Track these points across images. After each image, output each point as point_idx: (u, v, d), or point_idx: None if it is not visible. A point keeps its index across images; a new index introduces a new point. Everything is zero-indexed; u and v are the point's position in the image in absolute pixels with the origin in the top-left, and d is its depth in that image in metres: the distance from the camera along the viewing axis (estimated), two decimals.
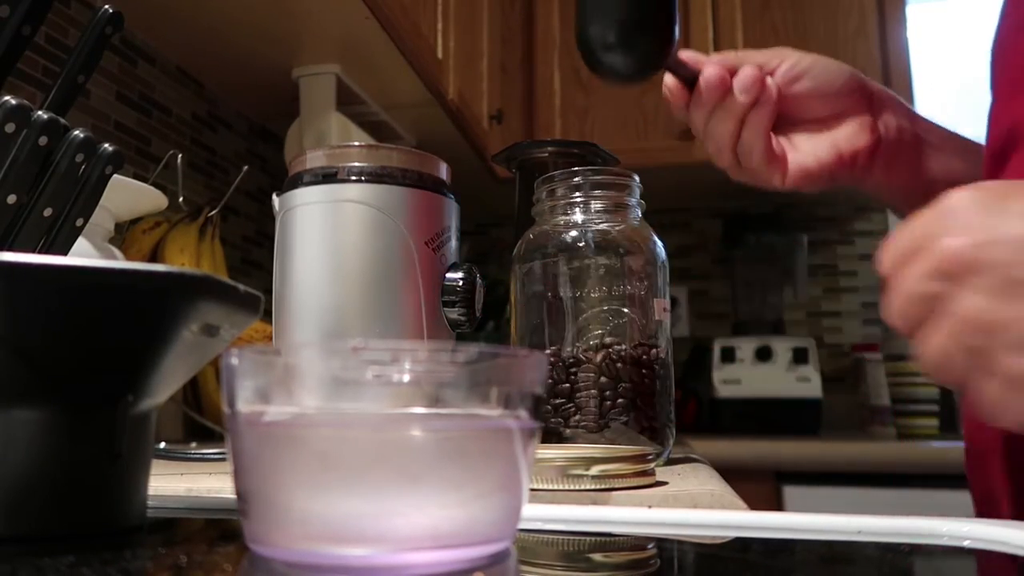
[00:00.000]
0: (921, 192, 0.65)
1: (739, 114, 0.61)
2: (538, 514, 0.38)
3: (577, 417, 0.61)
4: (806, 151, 0.64)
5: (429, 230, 0.64)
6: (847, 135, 0.64)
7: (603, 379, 0.61)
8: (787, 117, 0.64)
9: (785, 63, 0.63)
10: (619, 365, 0.62)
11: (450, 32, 1.50)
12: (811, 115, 0.65)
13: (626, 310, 0.64)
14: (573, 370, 0.62)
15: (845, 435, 1.88)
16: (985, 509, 0.59)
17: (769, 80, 0.62)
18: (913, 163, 0.66)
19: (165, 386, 0.35)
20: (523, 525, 0.33)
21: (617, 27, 0.52)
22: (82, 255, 0.66)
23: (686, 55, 0.62)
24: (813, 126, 0.65)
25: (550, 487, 0.48)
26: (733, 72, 0.61)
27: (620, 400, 0.61)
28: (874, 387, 1.93)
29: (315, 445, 0.27)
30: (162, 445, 0.81)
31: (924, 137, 0.66)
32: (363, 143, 0.94)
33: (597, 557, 0.34)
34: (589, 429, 0.61)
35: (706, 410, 2.06)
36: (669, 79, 0.63)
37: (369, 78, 1.41)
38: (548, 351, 0.64)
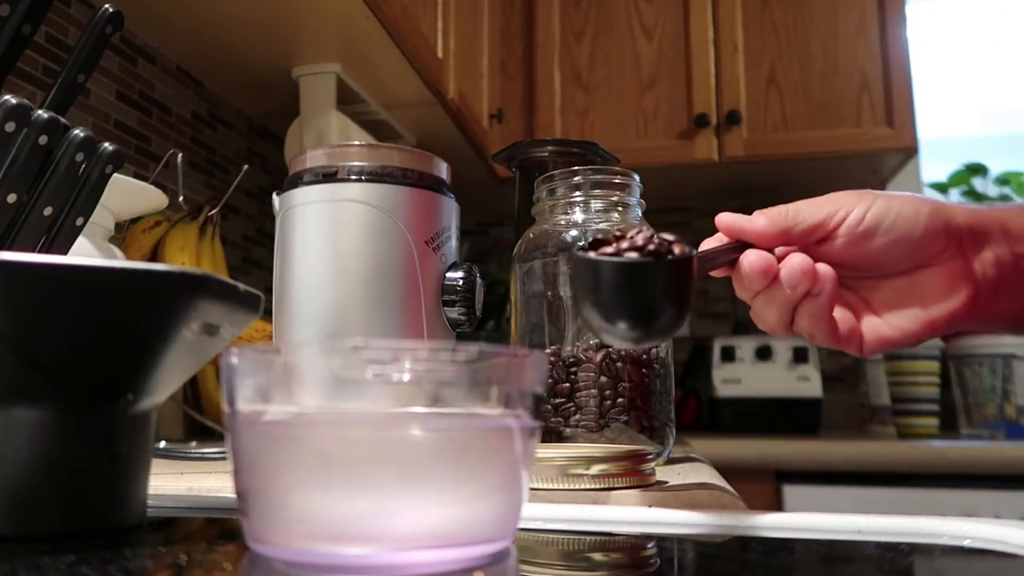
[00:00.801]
0: None
1: (789, 305, 0.51)
2: (538, 513, 0.38)
3: (577, 416, 0.61)
4: (890, 322, 0.53)
5: (429, 229, 0.64)
6: (938, 295, 0.52)
7: (603, 378, 0.61)
8: (862, 272, 0.53)
9: (849, 218, 0.51)
10: (619, 364, 0.62)
11: (450, 31, 1.50)
12: (888, 271, 0.53)
13: None
14: (573, 369, 0.62)
15: (845, 434, 1.88)
16: None
17: (824, 269, 0.50)
18: (1018, 293, 0.54)
19: (165, 385, 0.35)
20: (523, 524, 0.33)
21: (631, 321, 0.42)
22: (82, 254, 0.66)
23: (723, 222, 0.51)
24: (896, 283, 0.53)
25: (550, 486, 0.48)
26: (781, 255, 0.51)
27: (620, 399, 0.61)
28: (874, 386, 1.93)
29: (315, 444, 0.27)
30: (162, 444, 0.81)
31: None
32: (363, 142, 0.94)
33: (597, 556, 0.34)
34: (589, 428, 0.61)
35: (706, 409, 2.06)
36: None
37: (369, 77, 1.40)
38: (548, 350, 0.64)
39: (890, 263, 0.52)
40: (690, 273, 0.43)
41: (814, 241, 0.51)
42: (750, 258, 0.49)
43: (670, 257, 0.42)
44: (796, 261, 0.49)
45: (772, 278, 0.49)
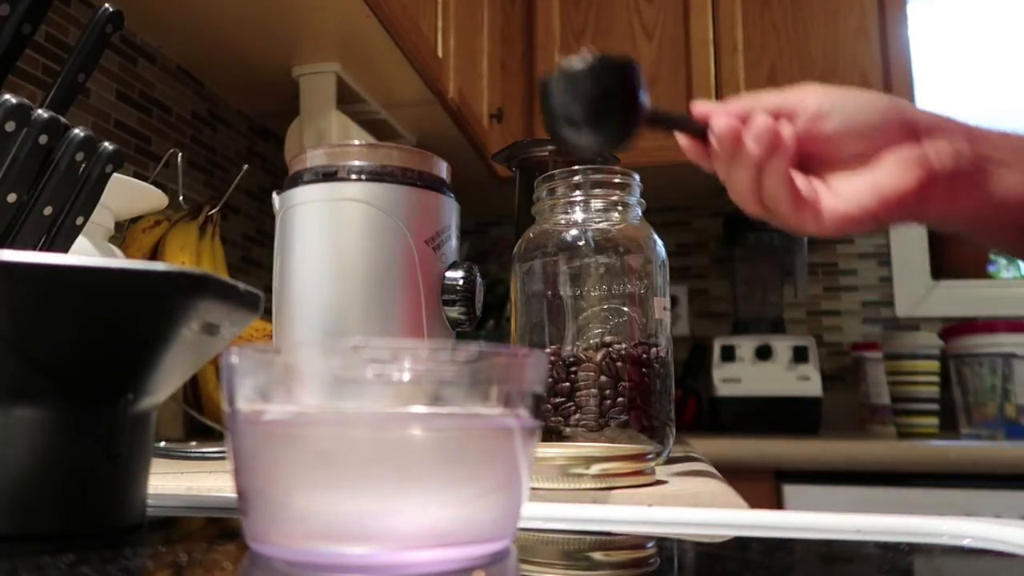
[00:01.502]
0: (994, 216, 0.59)
1: (755, 165, 0.56)
2: (538, 513, 0.38)
3: (577, 416, 0.61)
4: (845, 196, 0.56)
5: (429, 229, 0.64)
6: (890, 174, 0.56)
7: (603, 378, 0.61)
8: (821, 158, 0.57)
9: (806, 103, 0.56)
10: (619, 364, 0.62)
11: (450, 31, 1.50)
12: (847, 153, 0.57)
13: (626, 309, 0.64)
14: (573, 369, 0.62)
15: (845, 434, 1.88)
16: None
17: (785, 127, 0.56)
18: (977, 189, 0.58)
19: (165, 385, 0.35)
20: (523, 524, 0.33)
21: (580, 107, 0.50)
22: (82, 254, 0.66)
23: (697, 108, 0.57)
24: (851, 165, 0.57)
25: (550, 486, 0.48)
26: (747, 119, 0.56)
27: (620, 399, 0.61)
28: (874, 386, 1.93)
29: (315, 444, 0.27)
30: (162, 444, 0.81)
31: (990, 155, 0.58)
32: (363, 142, 0.94)
33: (597, 556, 0.34)
34: (589, 428, 0.61)
35: (706, 409, 2.06)
36: (682, 139, 0.58)
37: (369, 77, 1.40)
38: (548, 350, 0.64)
39: (846, 146, 0.57)
40: (631, 79, 0.52)
41: (775, 119, 0.57)
42: (719, 122, 0.56)
43: (603, 57, 0.50)
44: (760, 121, 0.55)
45: (739, 142, 0.56)
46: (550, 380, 0.62)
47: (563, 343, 0.64)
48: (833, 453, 1.55)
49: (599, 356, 0.62)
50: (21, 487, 0.31)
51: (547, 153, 0.83)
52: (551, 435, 0.62)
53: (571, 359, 0.63)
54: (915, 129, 0.57)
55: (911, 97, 1.86)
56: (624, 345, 0.62)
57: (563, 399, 0.62)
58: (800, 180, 0.57)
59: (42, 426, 0.31)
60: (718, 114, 0.56)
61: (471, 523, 0.27)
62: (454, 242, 0.67)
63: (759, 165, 0.56)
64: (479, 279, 0.67)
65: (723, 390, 1.93)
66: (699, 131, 0.57)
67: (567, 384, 0.62)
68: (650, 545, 0.35)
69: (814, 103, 0.56)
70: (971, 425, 1.80)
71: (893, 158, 0.56)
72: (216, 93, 1.48)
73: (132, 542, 0.32)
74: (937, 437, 1.76)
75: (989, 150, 0.58)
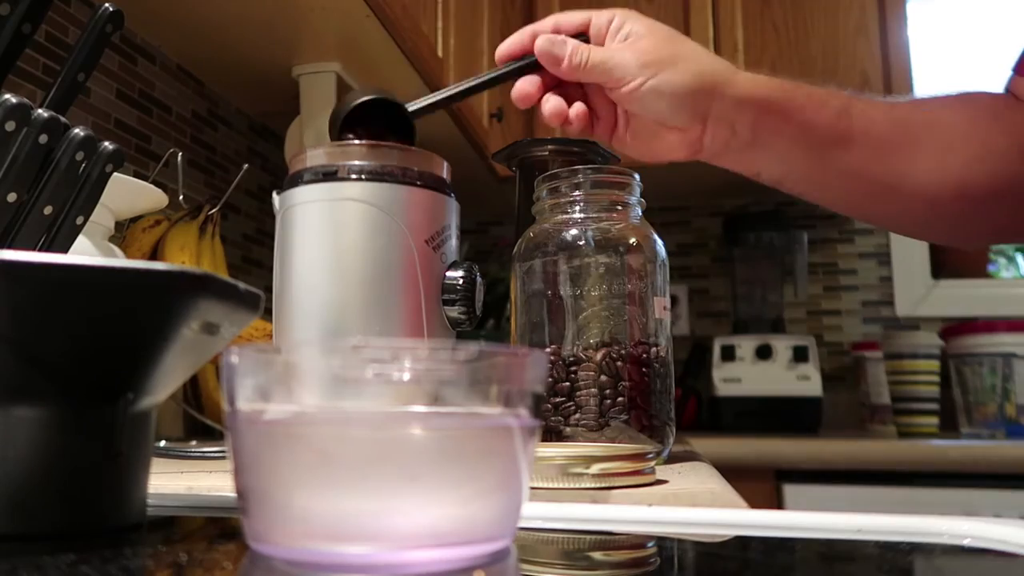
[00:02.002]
0: (772, 183, 0.73)
1: (556, 123, 0.69)
2: (538, 512, 0.38)
3: (577, 415, 0.61)
4: (632, 146, 0.71)
5: (429, 228, 0.64)
6: (666, 144, 0.70)
7: (603, 377, 0.61)
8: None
9: (620, 90, 0.66)
10: (619, 364, 0.62)
11: (450, 30, 1.50)
12: (646, 118, 0.68)
13: (626, 308, 0.64)
14: (573, 368, 0.62)
15: (845, 433, 1.88)
16: None
17: (575, 110, 0.68)
18: (747, 163, 0.71)
19: (165, 384, 0.35)
20: (523, 523, 0.33)
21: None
22: (82, 253, 0.66)
23: (507, 45, 0.69)
24: (651, 124, 0.69)
25: (550, 485, 0.48)
26: (575, 75, 0.67)
27: (620, 399, 0.61)
28: (874, 385, 1.93)
29: (315, 443, 0.27)
30: (162, 443, 0.81)
31: (768, 142, 0.69)
32: (363, 141, 0.93)
33: (597, 555, 0.34)
34: (589, 427, 0.61)
35: (706, 408, 2.06)
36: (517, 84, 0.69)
37: (369, 76, 1.40)
38: (548, 349, 0.64)
39: (648, 115, 0.67)
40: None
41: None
42: (519, 85, 0.68)
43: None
44: (550, 104, 0.67)
45: (537, 103, 0.68)
46: (550, 380, 0.62)
47: (563, 343, 0.64)
48: (833, 453, 1.55)
49: (599, 356, 0.62)
50: (21, 487, 0.31)
51: (547, 152, 0.83)
52: (551, 435, 0.62)
53: (571, 359, 0.63)
54: (706, 117, 0.67)
55: (912, 97, 1.86)
56: (624, 345, 0.62)
57: (563, 399, 0.62)
58: (604, 114, 0.70)
59: (42, 425, 0.31)
60: (522, 81, 0.68)
61: (471, 523, 0.27)
62: (454, 242, 0.67)
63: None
64: (479, 279, 0.67)
65: (723, 390, 1.93)
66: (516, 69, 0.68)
67: (567, 384, 0.62)
68: (650, 545, 0.35)
69: (633, 85, 0.65)
70: (971, 425, 1.80)
71: (674, 133, 0.68)
72: (216, 92, 1.48)
73: (132, 541, 0.32)
74: (937, 437, 1.76)
75: (771, 138, 0.68)
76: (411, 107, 0.67)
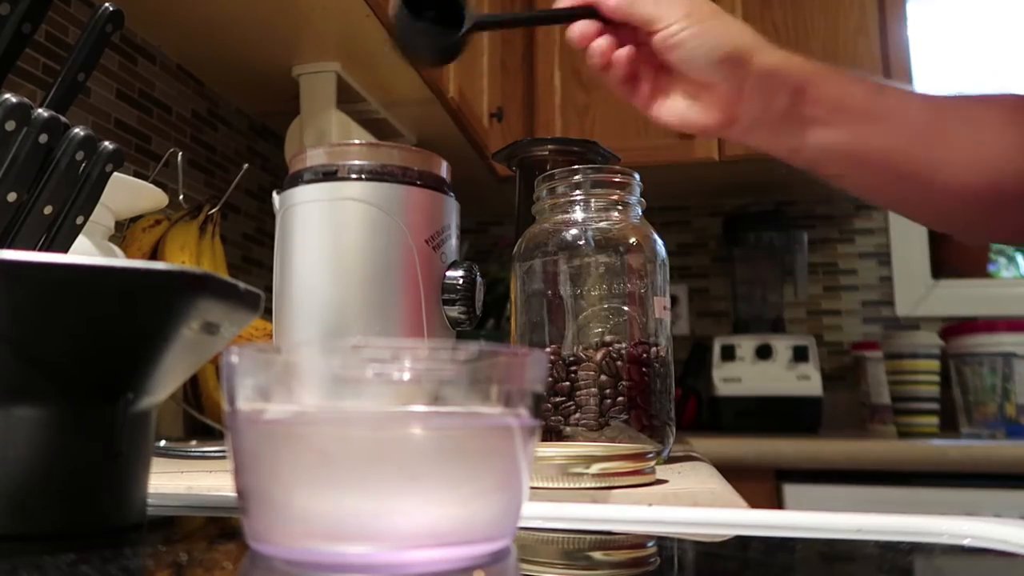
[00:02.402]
0: (808, 164, 0.71)
1: (599, 64, 0.69)
2: (538, 512, 0.38)
3: (577, 415, 0.61)
4: (667, 109, 0.70)
5: (429, 228, 0.64)
6: (699, 111, 0.69)
7: (603, 377, 0.61)
8: (667, 67, 0.69)
9: (661, 32, 0.66)
10: (619, 363, 0.62)
11: None
12: (688, 77, 0.68)
13: (626, 308, 0.64)
14: (573, 368, 0.62)
15: (845, 433, 1.88)
16: None
17: (619, 52, 0.68)
18: (791, 137, 0.69)
19: (165, 384, 0.35)
20: (523, 523, 0.33)
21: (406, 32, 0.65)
22: (82, 253, 0.66)
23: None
24: (684, 85, 0.69)
25: (550, 485, 0.48)
26: (624, 17, 0.67)
27: (620, 398, 0.61)
28: (874, 385, 1.93)
29: (315, 443, 0.27)
30: (162, 443, 0.81)
31: (809, 114, 0.68)
32: (363, 141, 0.94)
33: (597, 555, 0.34)
34: (589, 427, 0.61)
35: (706, 408, 2.06)
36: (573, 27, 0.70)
37: (369, 76, 1.40)
38: (548, 349, 0.64)
39: (686, 72, 0.67)
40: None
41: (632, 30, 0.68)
42: (577, 24, 0.69)
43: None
44: (600, 45, 0.68)
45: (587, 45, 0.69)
46: (550, 379, 0.62)
47: (563, 342, 0.64)
48: (833, 452, 1.55)
49: (599, 355, 0.62)
50: (21, 486, 0.31)
51: (547, 152, 0.83)
52: (551, 434, 0.62)
53: (571, 358, 0.63)
54: (744, 78, 0.67)
55: None
56: (624, 345, 0.62)
57: (563, 398, 0.62)
58: (647, 76, 0.70)
59: (42, 425, 0.31)
60: (576, 25, 0.69)
61: (471, 522, 0.27)
62: (454, 241, 0.67)
63: (602, 65, 0.69)
64: (479, 278, 0.67)
65: (723, 389, 1.93)
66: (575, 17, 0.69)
67: (567, 383, 0.62)
68: (650, 545, 0.35)
69: (665, 33, 0.66)
70: (971, 424, 1.80)
71: (710, 98, 0.68)
72: (216, 92, 1.48)
73: (132, 541, 0.32)
74: (937, 436, 1.76)
75: (812, 108, 0.68)
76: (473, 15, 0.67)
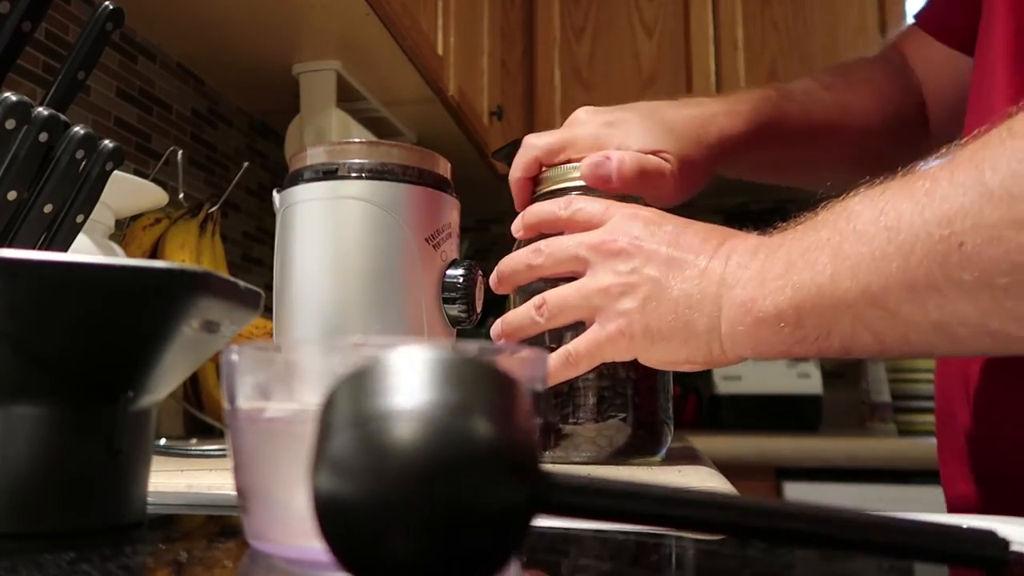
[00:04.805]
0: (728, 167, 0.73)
1: None
2: None
3: (577, 414, 0.61)
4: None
5: (429, 227, 0.64)
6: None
7: (603, 376, 0.61)
8: None
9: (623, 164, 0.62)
10: (619, 362, 0.62)
11: (450, 28, 1.50)
12: None
13: None
14: None
15: (845, 431, 1.88)
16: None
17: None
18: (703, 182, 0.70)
19: (165, 382, 0.35)
20: None
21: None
22: (82, 251, 0.66)
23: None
24: None
25: None
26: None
27: (620, 398, 0.61)
28: (874, 383, 1.93)
29: None
30: (162, 441, 0.81)
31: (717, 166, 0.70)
32: (363, 139, 0.94)
33: (596, 554, 0.34)
34: (588, 426, 0.61)
35: (706, 407, 2.06)
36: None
37: (369, 74, 1.40)
38: (547, 347, 0.64)
39: None
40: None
41: None
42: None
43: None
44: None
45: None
46: None
47: (562, 341, 0.64)
48: (833, 450, 1.55)
49: None
50: (21, 485, 0.31)
51: None
52: (549, 433, 0.62)
53: None
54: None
55: None
56: None
57: (562, 397, 0.62)
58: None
59: (42, 424, 0.31)
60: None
61: None
62: (455, 240, 0.67)
63: None
64: (480, 277, 0.67)
65: (723, 388, 1.93)
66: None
67: (566, 383, 0.62)
68: (650, 543, 0.35)
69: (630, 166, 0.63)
70: None
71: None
72: (216, 90, 1.48)
73: (132, 540, 0.32)
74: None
75: (721, 162, 0.70)
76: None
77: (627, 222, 0.55)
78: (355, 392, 0.21)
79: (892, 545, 0.24)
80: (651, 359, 0.54)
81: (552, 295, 0.57)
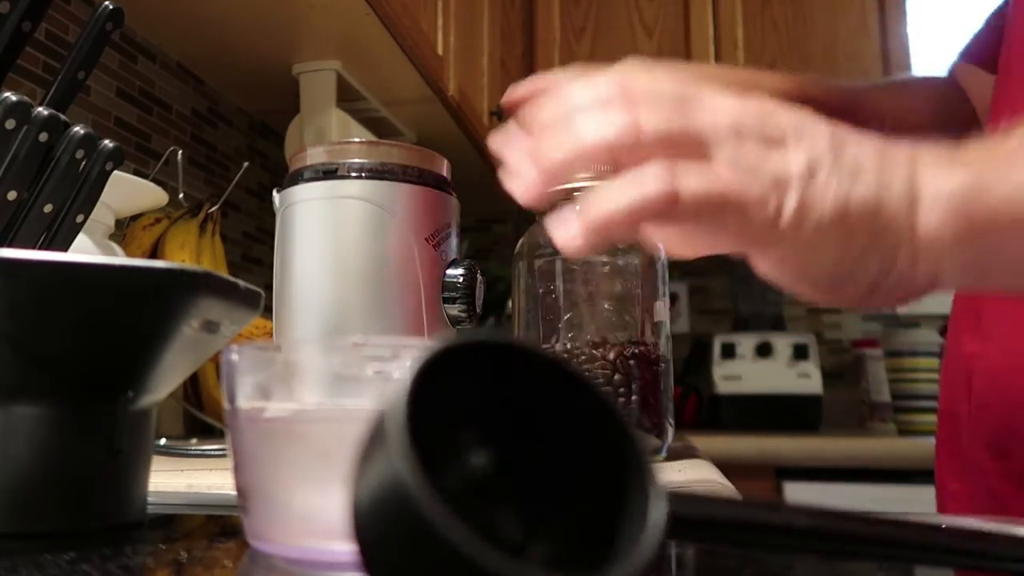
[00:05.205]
0: None
1: None
2: None
3: None
4: None
5: (429, 226, 0.64)
6: None
7: (617, 376, 0.61)
8: None
9: None
10: (631, 363, 0.62)
11: (450, 28, 1.50)
12: None
13: (627, 307, 0.64)
14: (587, 367, 0.62)
15: (845, 431, 1.88)
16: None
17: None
18: None
19: (165, 382, 0.35)
20: None
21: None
22: (82, 251, 0.66)
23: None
24: None
25: None
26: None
27: (634, 397, 0.61)
28: (874, 383, 1.93)
29: (315, 441, 0.27)
30: (162, 441, 0.81)
31: None
32: (363, 139, 0.94)
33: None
34: None
35: (706, 406, 2.06)
36: None
37: (369, 74, 1.40)
38: (547, 347, 0.64)
39: None
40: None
41: None
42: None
43: None
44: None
45: None
46: None
47: (563, 340, 0.64)
48: (833, 450, 1.55)
49: (612, 354, 0.62)
50: (21, 485, 0.31)
51: None
52: None
53: (583, 356, 0.62)
54: None
55: None
56: (637, 344, 0.62)
57: None
58: None
59: (42, 424, 0.31)
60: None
61: None
62: (454, 239, 0.67)
63: None
64: (479, 276, 0.67)
65: (723, 387, 1.93)
66: None
67: None
68: None
69: None
70: None
71: None
72: (216, 90, 1.48)
73: (132, 539, 0.32)
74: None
75: None
76: None
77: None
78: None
79: (951, 552, 0.23)
80: (801, 261, 0.37)
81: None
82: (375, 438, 0.19)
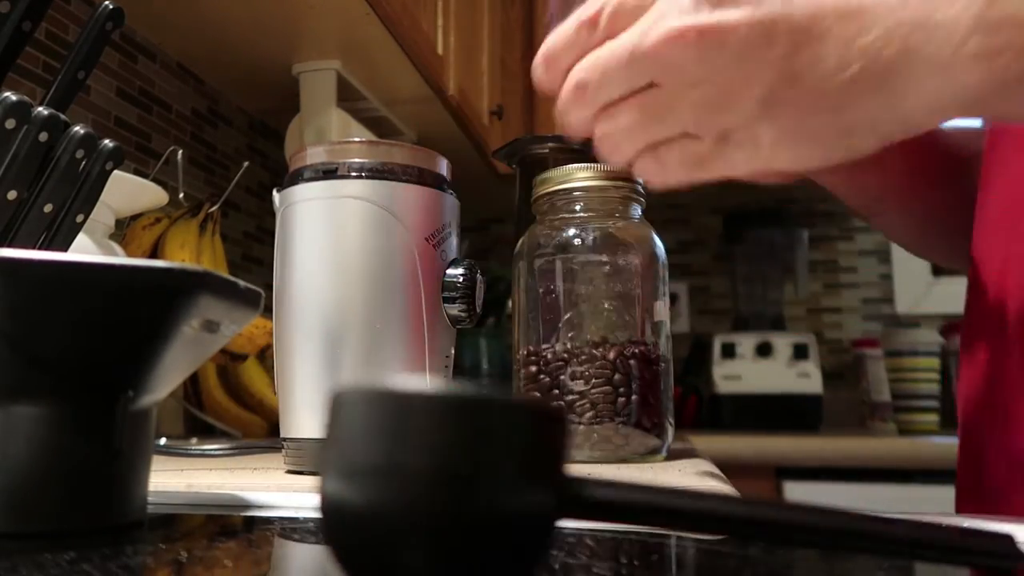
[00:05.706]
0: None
1: None
2: None
3: (590, 414, 0.61)
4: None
5: (430, 226, 0.64)
6: None
7: (617, 376, 0.61)
8: None
9: None
10: (632, 362, 0.62)
11: (450, 28, 1.50)
12: None
13: (627, 307, 0.64)
14: (585, 367, 0.62)
15: (845, 431, 1.88)
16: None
17: None
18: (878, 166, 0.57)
19: (165, 382, 0.35)
20: None
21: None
22: (82, 251, 0.66)
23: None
24: None
25: None
26: None
27: (634, 396, 0.61)
28: (874, 383, 1.93)
29: None
30: (162, 441, 0.81)
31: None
32: (363, 139, 0.94)
33: (595, 553, 0.34)
34: (602, 425, 0.61)
35: (706, 406, 2.06)
36: None
37: (369, 74, 1.40)
38: (547, 347, 0.64)
39: None
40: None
41: None
42: None
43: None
44: None
45: None
46: (561, 378, 0.62)
47: (564, 341, 0.64)
48: (833, 450, 1.55)
49: (612, 354, 0.62)
50: (21, 485, 0.31)
51: (547, 150, 0.83)
52: None
53: (583, 357, 0.62)
54: None
55: None
56: (637, 344, 0.62)
57: (575, 396, 0.62)
58: None
59: (42, 423, 0.31)
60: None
61: None
62: (455, 239, 0.67)
63: None
64: (479, 276, 0.67)
65: (723, 387, 1.93)
66: None
67: (580, 380, 0.62)
68: (650, 543, 0.35)
69: None
70: None
71: None
72: (216, 90, 1.48)
73: (133, 539, 0.32)
74: (937, 434, 1.76)
75: None
76: None
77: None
78: (367, 401, 0.19)
79: (907, 544, 0.24)
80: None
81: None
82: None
